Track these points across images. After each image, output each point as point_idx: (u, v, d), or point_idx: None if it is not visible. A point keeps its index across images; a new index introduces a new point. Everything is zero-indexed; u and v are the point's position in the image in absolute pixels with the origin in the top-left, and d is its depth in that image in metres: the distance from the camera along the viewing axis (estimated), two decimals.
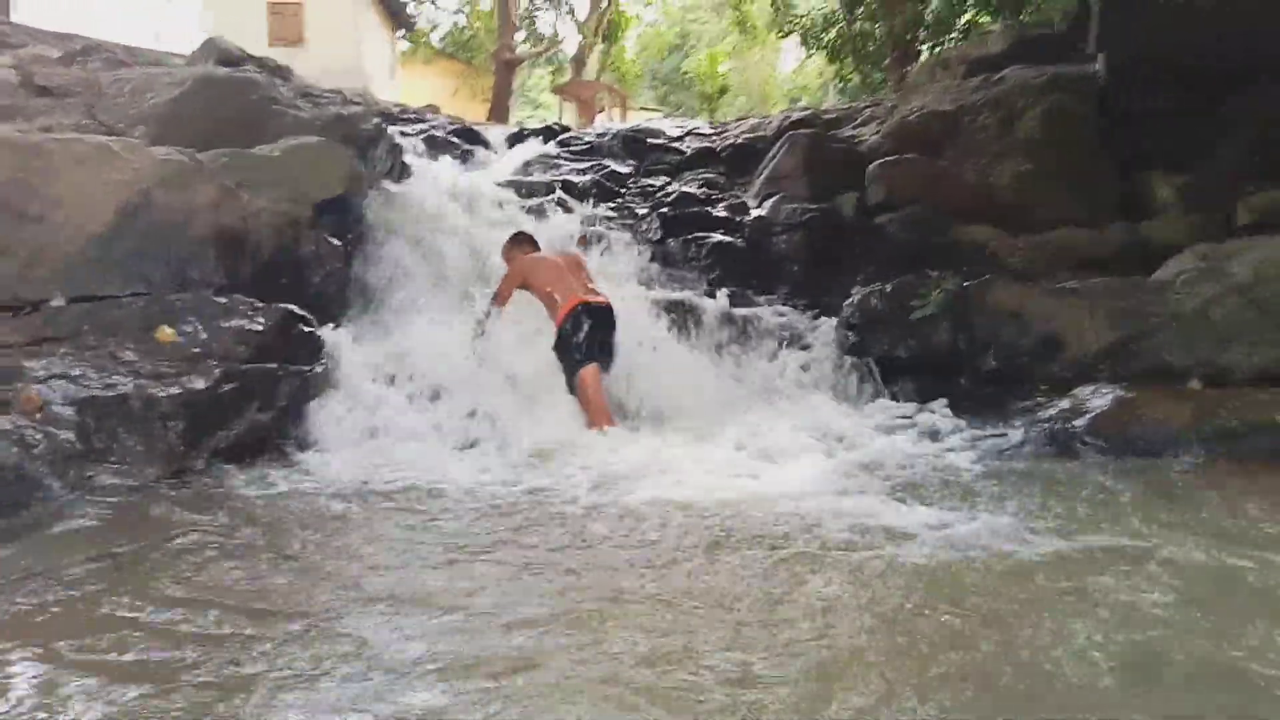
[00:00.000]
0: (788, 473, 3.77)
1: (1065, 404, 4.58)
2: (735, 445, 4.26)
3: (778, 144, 8.02)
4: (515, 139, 9.69)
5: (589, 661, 2.00)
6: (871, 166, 7.15)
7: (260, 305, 4.34)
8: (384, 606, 2.32)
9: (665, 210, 7.31)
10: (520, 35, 23.73)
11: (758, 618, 2.26)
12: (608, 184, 8.05)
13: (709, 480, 3.63)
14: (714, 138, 9.37)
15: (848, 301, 5.67)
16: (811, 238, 6.80)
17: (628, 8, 26.34)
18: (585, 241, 6.46)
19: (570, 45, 26.27)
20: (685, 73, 29.87)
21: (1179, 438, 4.15)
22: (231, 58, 7.28)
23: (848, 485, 3.59)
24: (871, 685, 1.90)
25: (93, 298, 4.21)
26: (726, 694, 1.86)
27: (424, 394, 4.55)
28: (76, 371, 3.66)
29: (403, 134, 7.77)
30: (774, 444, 4.23)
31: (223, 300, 4.30)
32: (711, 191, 7.92)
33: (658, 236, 6.98)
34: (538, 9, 25.40)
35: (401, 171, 6.57)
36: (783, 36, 15.79)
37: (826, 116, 9.05)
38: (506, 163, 8.69)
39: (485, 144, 9.17)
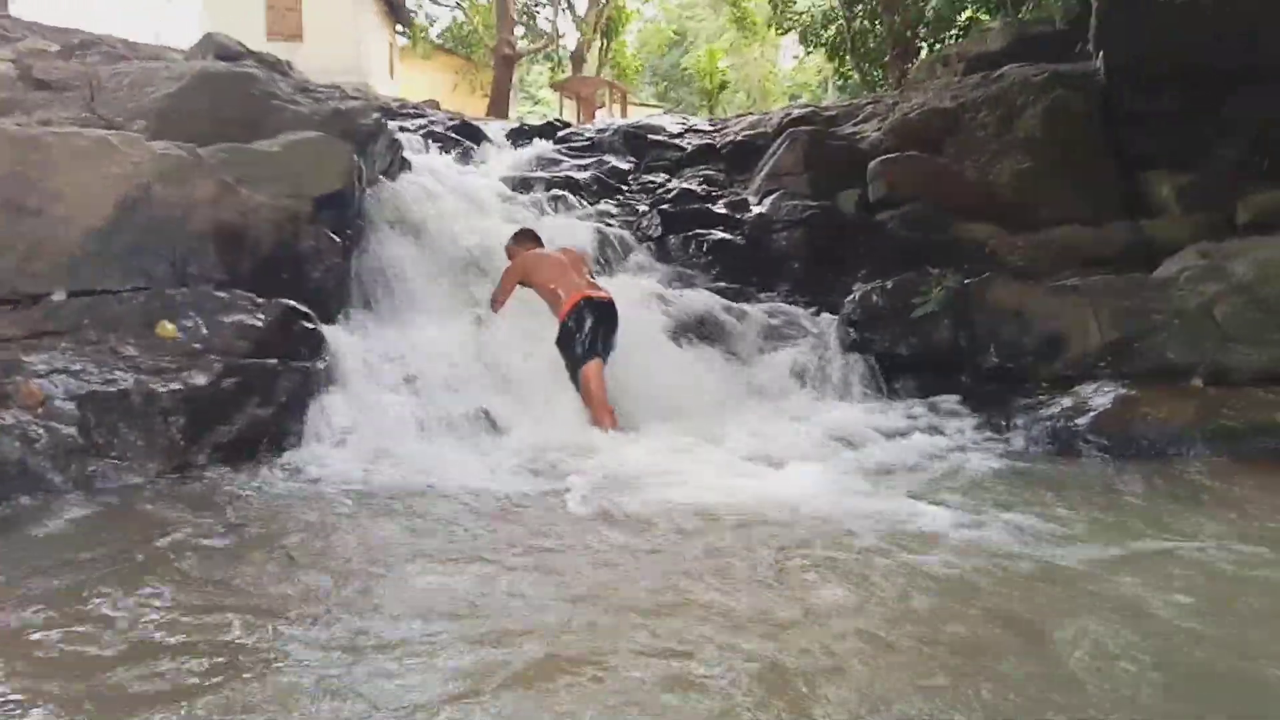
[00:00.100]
0: (793, 474, 3.74)
1: (1067, 402, 4.57)
2: (739, 445, 4.23)
3: (778, 141, 8.03)
4: (515, 134, 9.71)
5: (600, 667, 1.98)
6: (872, 163, 7.15)
7: (260, 300, 4.32)
8: (385, 606, 2.31)
9: (666, 207, 7.30)
10: (519, 30, 23.69)
11: (769, 623, 2.24)
12: (608, 180, 8.05)
13: (715, 482, 3.60)
14: (714, 134, 9.37)
15: (849, 299, 5.66)
16: (812, 235, 6.80)
17: (627, 3, 26.30)
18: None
19: (570, 41, 26.28)
20: (685, 69, 29.87)
21: (1182, 436, 4.15)
22: (230, 52, 7.25)
23: (854, 486, 3.58)
24: (889, 686, 1.90)
25: (92, 292, 4.19)
26: (746, 697, 1.85)
27: (425, 390, 4.53)
28: (77, 366, 3.65)
29: (402, 129, 7.77)
30: (777, 445, 4.21)
31: (223, 295, 4.28)
32: (712, 188, 7.92)
33: (658, 233, 6.98)
34: (537, 4, 25.39)
35: (401, 166, 6.55)
36: (782, 33, 15.79)
37: (827, 113, 9.05)
38: (506, 158, 8.68)
39: (485, 139, 9.16)
